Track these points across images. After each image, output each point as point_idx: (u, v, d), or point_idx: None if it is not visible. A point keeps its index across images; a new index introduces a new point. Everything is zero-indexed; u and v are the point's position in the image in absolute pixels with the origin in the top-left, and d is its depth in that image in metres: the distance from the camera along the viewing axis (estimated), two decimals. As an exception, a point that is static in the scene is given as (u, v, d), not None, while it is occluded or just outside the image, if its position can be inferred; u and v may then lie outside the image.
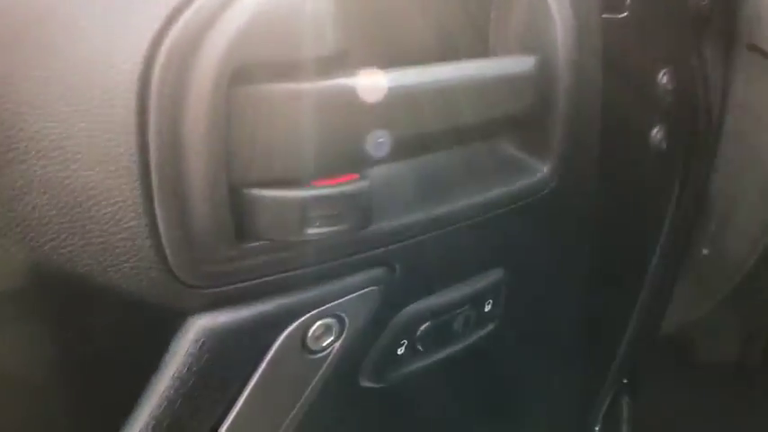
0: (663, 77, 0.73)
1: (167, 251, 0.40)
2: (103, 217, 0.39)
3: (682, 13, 0.76)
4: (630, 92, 0.71)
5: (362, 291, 0.49)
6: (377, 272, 0.50)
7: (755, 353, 1.35)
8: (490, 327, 0.64)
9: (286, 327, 0.46)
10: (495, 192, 0.55)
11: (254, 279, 0.43)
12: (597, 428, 0.99)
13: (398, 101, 0.45)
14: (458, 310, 0.59)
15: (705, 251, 0.90)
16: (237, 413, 0.47)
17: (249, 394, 0.47)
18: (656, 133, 0.76)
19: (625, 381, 1.03)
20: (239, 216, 0.40)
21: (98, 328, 0.44)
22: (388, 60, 0.46)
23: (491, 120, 0.54)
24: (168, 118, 0.37)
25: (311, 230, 0.41)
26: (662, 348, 1.34)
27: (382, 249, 0.49)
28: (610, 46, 0.62)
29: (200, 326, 0.43)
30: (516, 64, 0.55)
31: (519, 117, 0.56)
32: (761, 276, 0.87)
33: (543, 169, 0.58)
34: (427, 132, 0.49)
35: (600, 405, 0.98)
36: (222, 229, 0.40)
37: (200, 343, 0.43)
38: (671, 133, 0.76)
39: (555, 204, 0.61)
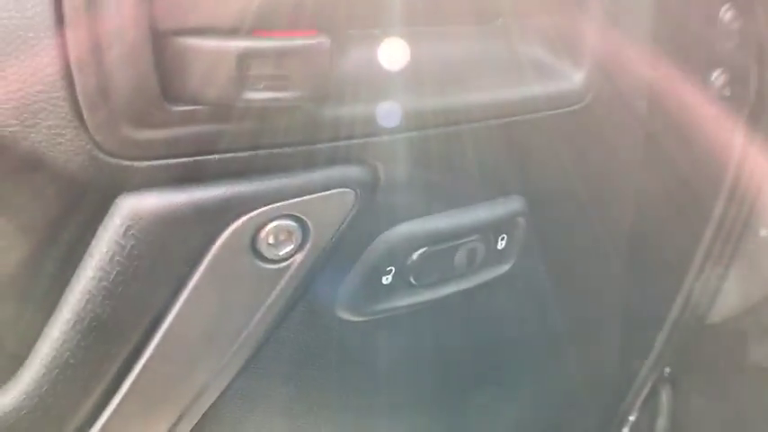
0: (726, 14, 0.63)
1: (82, 105, 0.33)
2: (17, 55, 0.32)
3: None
4: (689, 22, 0.61)
5: (330, 191, 0.41)
6: (351, 170, 0.42)
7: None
8: (503, 268, 0.54)
9: (229, 222, 0.39)
10: (519, 91, 0.46)
11: (189, 156, 0.36)
12: (632, 419, 0.89)
13: None
14: (462, 240, 0.50)
15: (765, 232, 0.78)
16: (173, 321, 0.40)
17: (187, 300, 0.40)
18: (717, 77, 0.66)
19: (668, 370, 0.92)
20: (165, 71, 0.33)
21: (23, 203, 0.38)
22: None
23: None
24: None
25: (252, 94, 0.34)
26: (713, 339, 1.23)
27: (358, 141, 0.41)
28: None
29: (126, 208, 0.36)
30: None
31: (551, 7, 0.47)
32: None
33: (576, 77, 0.49)
34: None
35: (637, 392, 0.87)
36: (144, 84, 0.33)
37: (124, 228, 0.37)
38: (735, 80, 0.66)
39: (590, 123, 0.52)
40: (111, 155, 0.35)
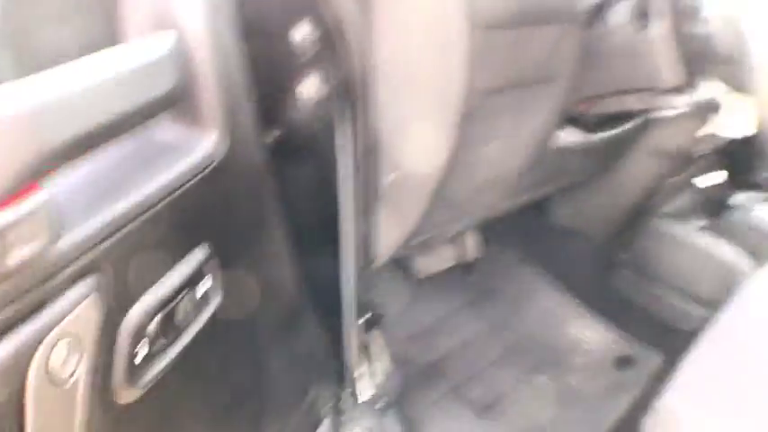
0: (302, 29, 0.78)
1: None
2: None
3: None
4: (273, 48, 0.75)
5: (84, 302, 0.47)
6: (91, 279, 0.48)
7: (464, 254, 1.57)
8: (212, 307, 0.64)
9: (27, 361, 0.43)
10: (165, 176, 0.56)
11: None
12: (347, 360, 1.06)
13: (51, 106, 0.44)
14: (179, 296, 0.58)
15: (391, 177, 0.97)
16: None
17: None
18: (309, 84, 0.81)
19: (368, 315, 1.11)
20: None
21: None
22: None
23: (147, 104, 0.54)
24: None
25: (9, 260, 0.39)
26: (393, 271, 1.48)
27: (87, 256, 0.47)
28: (245, 7, 0.64)
29: None
30: (157, 43, 0.55)
31: (173, 95, 0.56)
32: (445, 190, 0.98)
33: (208, 142, 0.60)
34: (88, 132, 0.48)
35: (346, 343, 1.04)
36: None
37: None
38: (326, 80, 0.82)
39: (233, 171, 0.63)
40: None
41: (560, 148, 1.13)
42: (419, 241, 1.09)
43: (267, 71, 0.70)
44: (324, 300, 0.94)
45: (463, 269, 1.62)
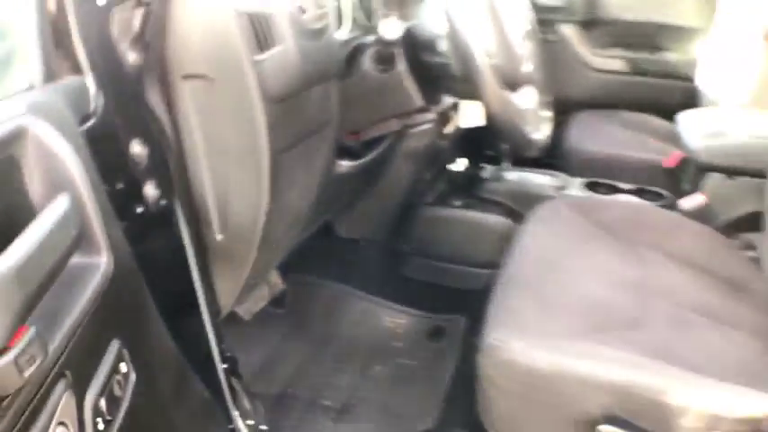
0: (136, 145, 0.90)
1: None
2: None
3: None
4: (120, 160, 0.88)
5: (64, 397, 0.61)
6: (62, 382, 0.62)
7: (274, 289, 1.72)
8: (131, 386, 0.77)
9: None
10: (85, 297, 0.67)
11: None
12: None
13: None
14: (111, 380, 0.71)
15: (220, 236, 1.13)
16: None
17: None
18: (149, 186, 0.93)
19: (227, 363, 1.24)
20: None
21: None
22: None
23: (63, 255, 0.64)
24: None
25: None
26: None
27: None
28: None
29: None
30: (60, 205, 0.65)
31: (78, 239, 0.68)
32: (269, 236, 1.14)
33: (103, 265, 0.71)
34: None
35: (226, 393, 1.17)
36: None
37: None
38: (160, 180, 0.94)
39: (119, 279, 0.75)
40: None
41: (340, 174, 1.36)
42: (250, 286, 1.25)
43: (118, 178, 0.83)
44: (196, 357, 1.07)
45: (275, 303, 1.77)
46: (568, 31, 2.50)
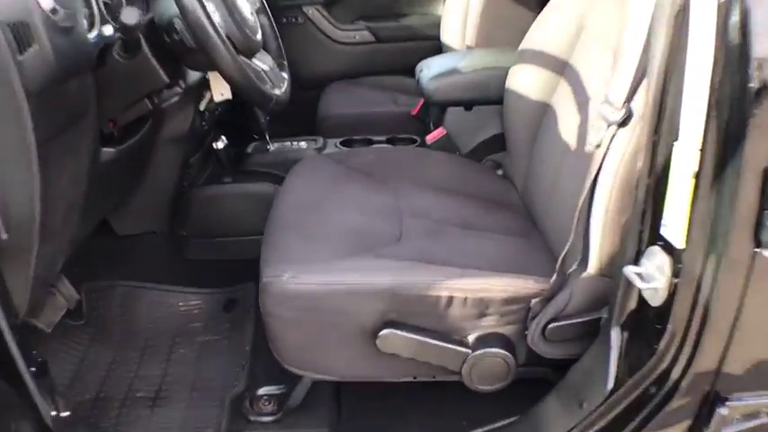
0: None
1: None
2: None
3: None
4: None
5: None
6: None
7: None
8: None
9: None
10: None
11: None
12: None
13: None
14: None
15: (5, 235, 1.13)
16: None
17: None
18: None
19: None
20: None
21: None
22: None
23: None
24: None
25: None
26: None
27: None
28: None
29: None
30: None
31: None
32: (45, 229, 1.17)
33: None
34: None
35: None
36: None
37: None
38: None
39: None
40: None
41: (107, 161, 1.41)
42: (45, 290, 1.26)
43: None
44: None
45: (74, 316, 1.75)
46: (313, 12, 2.75)
